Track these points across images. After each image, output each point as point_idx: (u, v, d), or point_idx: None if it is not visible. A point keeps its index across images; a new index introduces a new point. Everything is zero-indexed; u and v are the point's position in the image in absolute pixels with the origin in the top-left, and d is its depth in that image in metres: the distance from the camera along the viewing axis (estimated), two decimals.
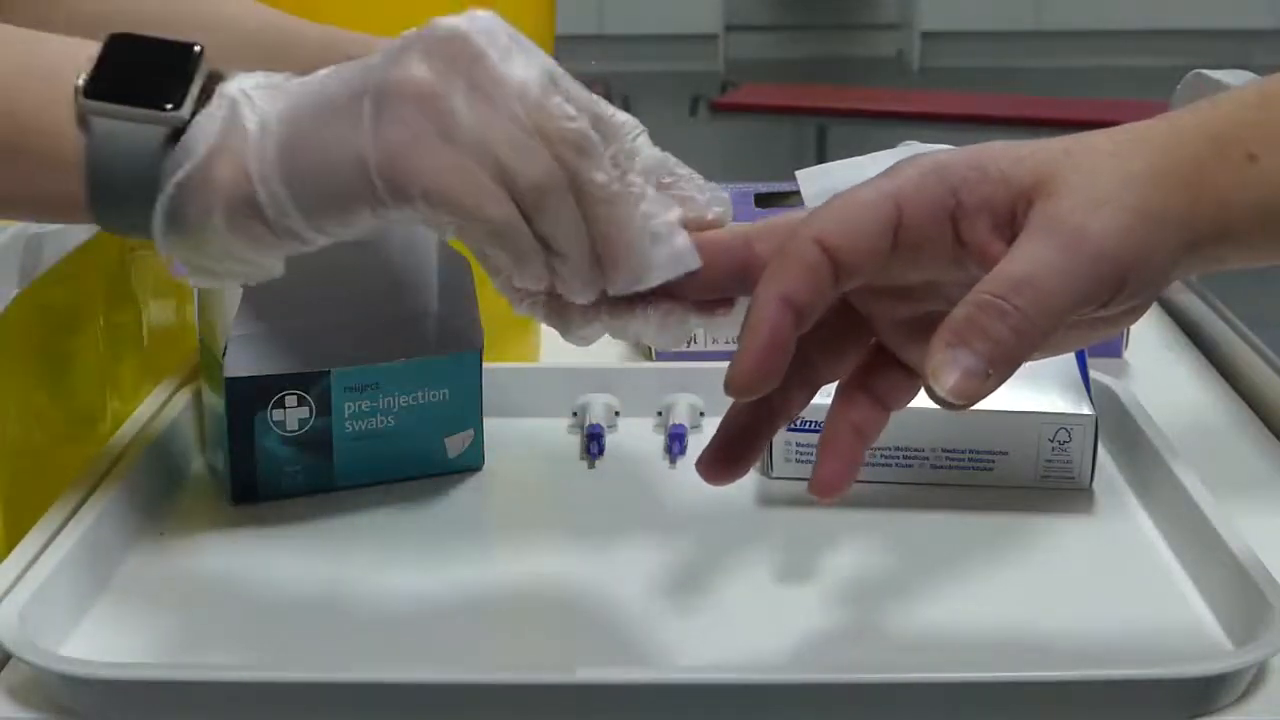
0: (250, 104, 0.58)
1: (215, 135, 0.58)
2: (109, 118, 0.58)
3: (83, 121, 0.59)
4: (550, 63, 0.58)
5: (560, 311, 0.61)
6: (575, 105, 0.57)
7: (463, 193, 0.56)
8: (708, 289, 0.60)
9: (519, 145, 0.56)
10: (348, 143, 0.57)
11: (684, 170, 0.64)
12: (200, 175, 0.58)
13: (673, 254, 0.59)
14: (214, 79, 0.59)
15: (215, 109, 0.58)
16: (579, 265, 0.58)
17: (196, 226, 0.58)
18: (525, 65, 0.57)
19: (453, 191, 0.56)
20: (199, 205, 0.58)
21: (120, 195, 0.59)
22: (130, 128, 0.58)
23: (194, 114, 0.58)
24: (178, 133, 0.58)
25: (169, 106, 0.58)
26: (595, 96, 0.59)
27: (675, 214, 0.60)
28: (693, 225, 0.62)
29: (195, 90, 0.58)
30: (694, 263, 0.59)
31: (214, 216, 0.58)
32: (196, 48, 0.60)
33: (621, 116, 0.66)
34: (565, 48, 1.02)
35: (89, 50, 0.60)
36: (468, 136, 0.56)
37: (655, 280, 0.59)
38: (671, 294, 0.60)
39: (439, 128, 0.56)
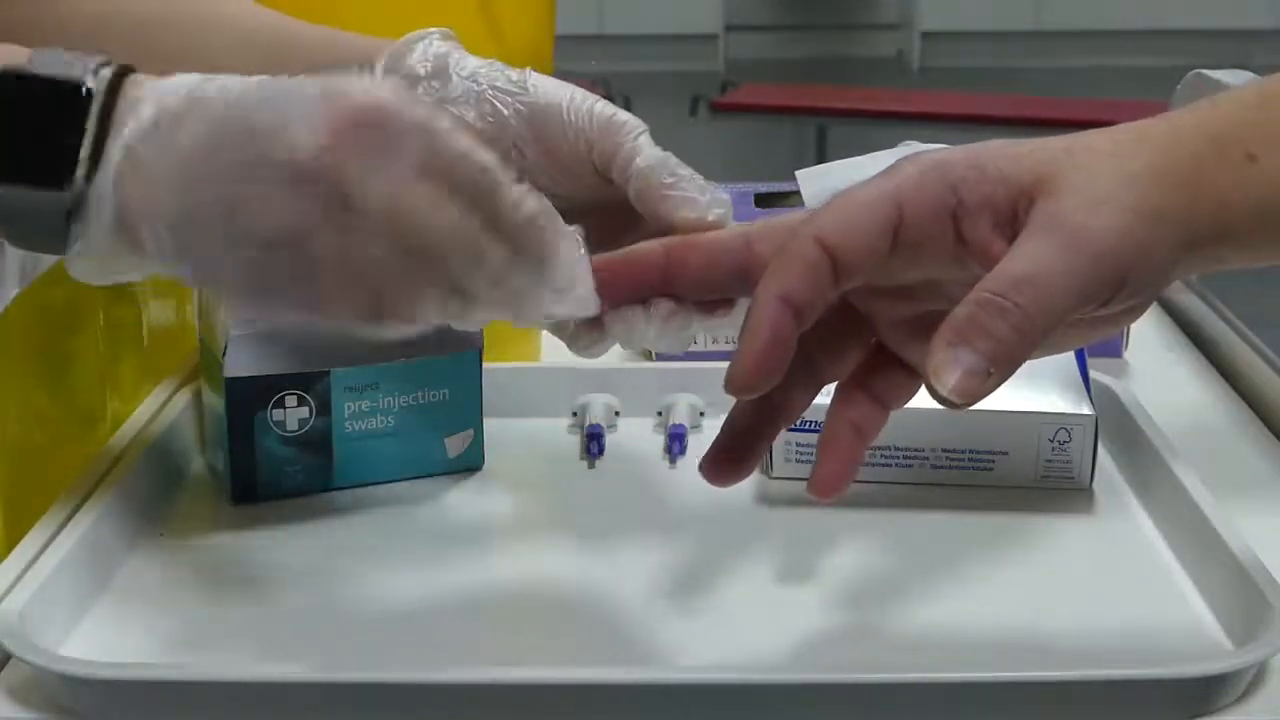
0: (137, 169, 0.57)
1: (109, 212, 0.57)
2: (5, 188, 0.58)
3: None
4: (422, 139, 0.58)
5: (565, 324, 0.62)
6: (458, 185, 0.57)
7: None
8: (708, 289, 0.60)
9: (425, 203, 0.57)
10: (242, 224, 0.57)
11: (685, 170, 0.65)
12: (102, 242, 0.58)
13: (576, 298, 0.60)
14: (106, 118, 0.58)
15: (105, 172, 0.57)
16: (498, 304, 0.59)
17: (106, 266, 0.60)
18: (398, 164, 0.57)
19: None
20: (105, 257, 0.59)
21: (26, 245, 0.60)
22: (28, 199, 0.58)
23: (87, 184, 0.57)
24: (76, 202, 0.58)
25: (63, 181, 0.57)
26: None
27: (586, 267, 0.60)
28: (693, 226, 0.62)
29: (87, 150, 0.57)
30: (595, 307, 0.60)
31: (122, 259, 0.59)
32: (86, 85, 0.58)
33: (623, 116, 0.66)
34: (565, 48, 1.02)
35: None
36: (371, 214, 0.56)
37: (542, 315, 0.60)
38: (673, 295, 0.60)
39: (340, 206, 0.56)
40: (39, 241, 0.60)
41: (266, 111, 0.57)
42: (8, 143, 0.58)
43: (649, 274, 0.61)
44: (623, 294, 0.62)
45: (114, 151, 0.58)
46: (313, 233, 0.56)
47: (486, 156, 0.57)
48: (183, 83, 0.58)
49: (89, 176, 0.58)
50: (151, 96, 0.58)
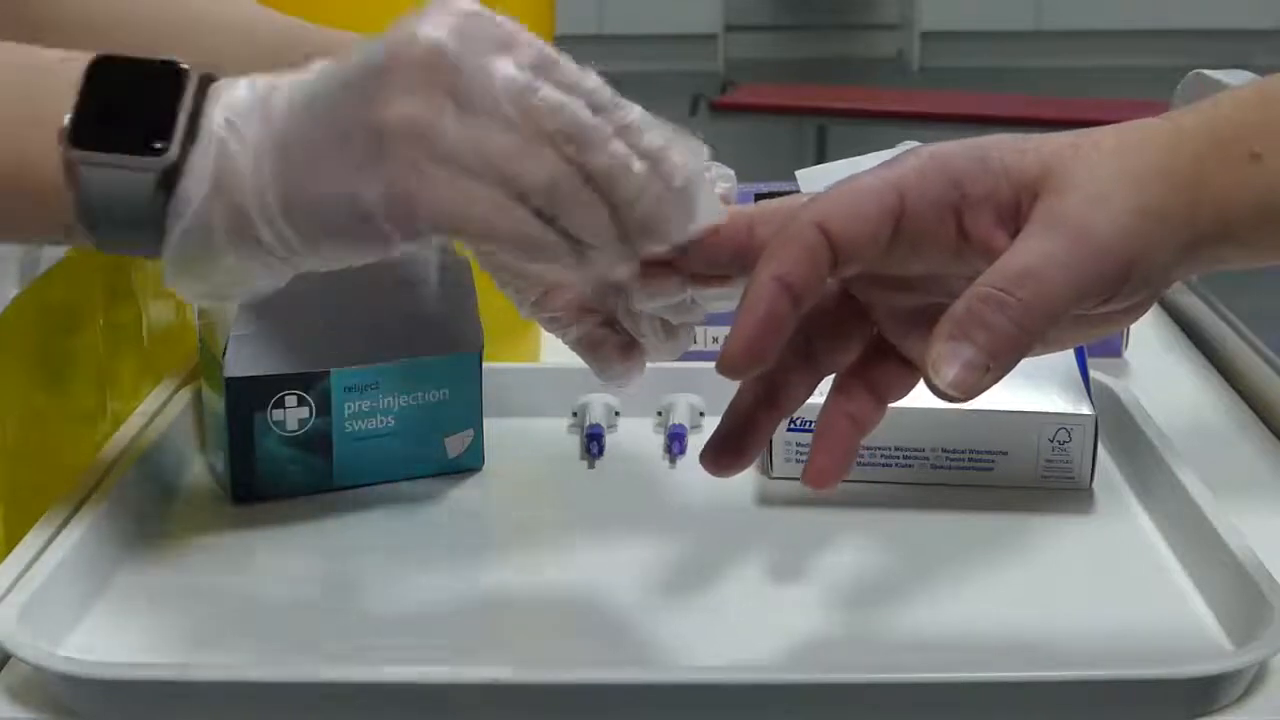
0: (238, 137, 0.57)
1: (209, 180, 0.57)
2: (97, 165, 0.58)
3: (70, 169, 0.58)
4: (534, 46, 0.57)
5: (593, 348, 0.64)
6: (565, 88, 0.56)
7: (472, 216, 0.55)
8: (708, 265, 0.60)
9: (519, 153, 0.55)
10: (347, 186, 0.56)
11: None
12: (201, 222, 0.57)
13: (705, 211, 0.57)
14: (201, 96, 0.58)
15: (205, 147, 0.57)
16: (608, 248, 0.57)
17: (207, 267, 0.58)
18: (507, 62, 0.56)
19: (462, 217, 0.55)
20: (207, 248, 0.58)
21: (121, 235, 0.59)
22: (121, 175, 0.57)
23: (184, 152, 0.57)
24: (170, 171, 0.57)
25: (157, 146, 0.57)
26: (586, 71, 0.57)
27: (701, 160, 0.59)
28: None
29: (182, 124, 0.57)
30: (724, 214, 0.58)
31: (224, 257, 0.58)
32: (182, 66, 0.58)
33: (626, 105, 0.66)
34: (565, 48, 1.01)
35: (72, 76, 0.58)
36: (466, 159, 0.55)
37: (684, 238, 0.57)
38: (671, 265, 0.60)
39: (435, 156, 0.55)
40: (131, 228, 0.58)
41: (360, 54, 0.57)
42: (105, 115, 0.58)
43: None
44: None
45: (213, 122, 0.57)
46: (436, 123, 0.55)
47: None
48: (260, 76, 0.59)
49: (185, 148, 0.57)
50: (241, 81, 0.58)
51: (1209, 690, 0.59)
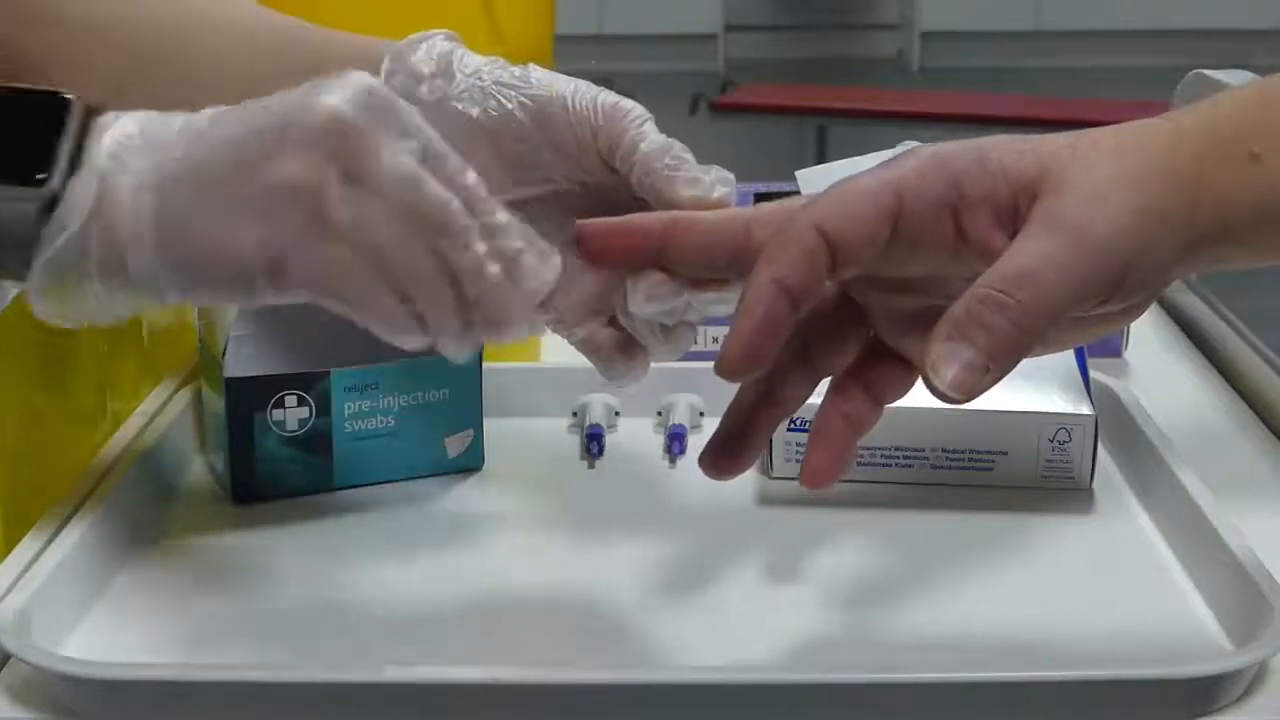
0: (122, 169, 0.57)
1: (88, 208, 0.57)
2: None
3: None
4: (425, 135, 0.58)
5: (597, 349, 0.64)
6: (447, 181, 0.58)
7: (342, 288, 0.57)
8: (703, 269, 0.60)
9: (396, 240, 0.57)
10: (228, 237, 0.57)
11: (688, 155, 0.65)
12: (73, 250, 0.57)
13: (534, 288, 0.59)
14: (85, 129, 0.58)
15: (87, 177, 0.57)
16: (453, 336, 0.59)
17: (73, 296, 0.59)
18: (399, 146, 0.57)
19: (332, 287, 0.57)
20: (75, 275, 0.58)
21: None
22: (3, 205, 0.57)
23: (65, 182, 0.57)
24: (51, 202, 0.57)
25: (39, 176, 0.57)
26: (466, 169, 0.59)
27: (553, 269, 0.60)
28: (697, 205, 0.62)
29: (65, 153, 0.57)
30: (553, 275, 0.59)
31: (90, 285, 0.58)
32: (66, 96, 0.58)
33: (628, 104, 0.67)
34: (565, 48, 1.02)
35: None
36: (344, 231, 0.56)
37: (522, 337, 0.60)
38: (667, 269, 0.60)
39: (317, 223, 0.56)
40: (7, 254, 0.58)
41: (260, 112, 0.57)
42: None
43: (644, 243, 0.61)
44: (615, 258, 0.62)
45: (98, 154, 0.58)
46: (324, 192, 0.56)
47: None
48: (152, 113, 0.59)
49: (66, 178, 0.57)
50: (129, 116, 0.59)
51: (1209, 690, 0.59)
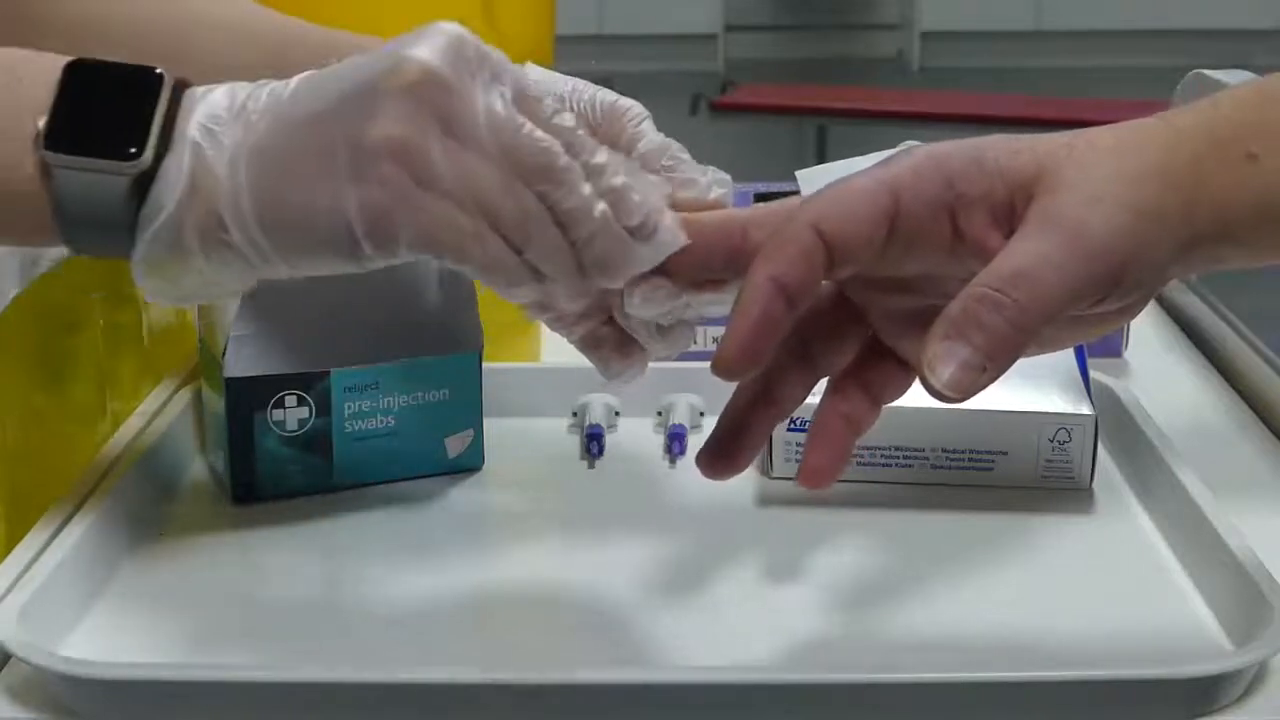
0: (215, 143, 0.58)
1: (183, 184, 0.58)
2: (71, 169, 0.58)
3: (45, 172, 0.58)
4: (518, 79, 0.58)
5: (596, 347, 0.64)
6: (543, 124, 0.58)
7: (448, 240, 0.57)
8: (701, 271, 0.60)
9: (499, 187, 0.57)
10: (327, 200, 0.57)
11: (685, 155, 0.65)
12: (173, 227, 0.58)
13: (657, 244, 0.59)
14: (176, 103, 0.59)
15: (180, 153, 0.58)
16: (567, 282, 0.59)
17: (176, 270, 0.59)
18: (494, 95, 0.57)
19: (439, 241, 0.57)
20: (177, 251, 0.58)
21: (93, 239, 0.60)
22: (95, 178, 0.58)
23: (158, 157, 0.58)
24: (144, 176, 0.58)
25: (131, 151, 0.58)
26: (559, 108, 0.59)
27: (660, 196, 0.60)
28: (694, 206, 0.62)
29: (156, 129, 0.58)
30: (679, 241, 0.60)
31: (194, 260, 0.58)
32: (158, 71, 0.59)
33: (626, 102, 0.66)
34: (565, 48, 1.02)
35: (49, 79, 0.59)
36: (449, 185, 0.57)
37: (641, 270, 0.60)
38: (664, 274, 0.60)
39: (418, 179, 0.56)
40: (103, 231, 0.59)
41: (351, 71, 0.58)
42: (80, 119, 0.58)
43: None
44: None
45: (189, 128, 0.58)
46: (423, 147, 0.56)
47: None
48: (241, 83, 0.59)
49: (160, 153, 0.58)
50: (220, 89, 0.59)
51: (1209, 690, 0.59)
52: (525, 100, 0.58)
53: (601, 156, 0.59)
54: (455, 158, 0.56)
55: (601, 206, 0.58)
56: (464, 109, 0.57)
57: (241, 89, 0.59)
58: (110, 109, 0.58)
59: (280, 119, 0.58)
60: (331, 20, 0.79)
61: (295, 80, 0.59)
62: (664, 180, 0.61)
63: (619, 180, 0.59)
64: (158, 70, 0.59)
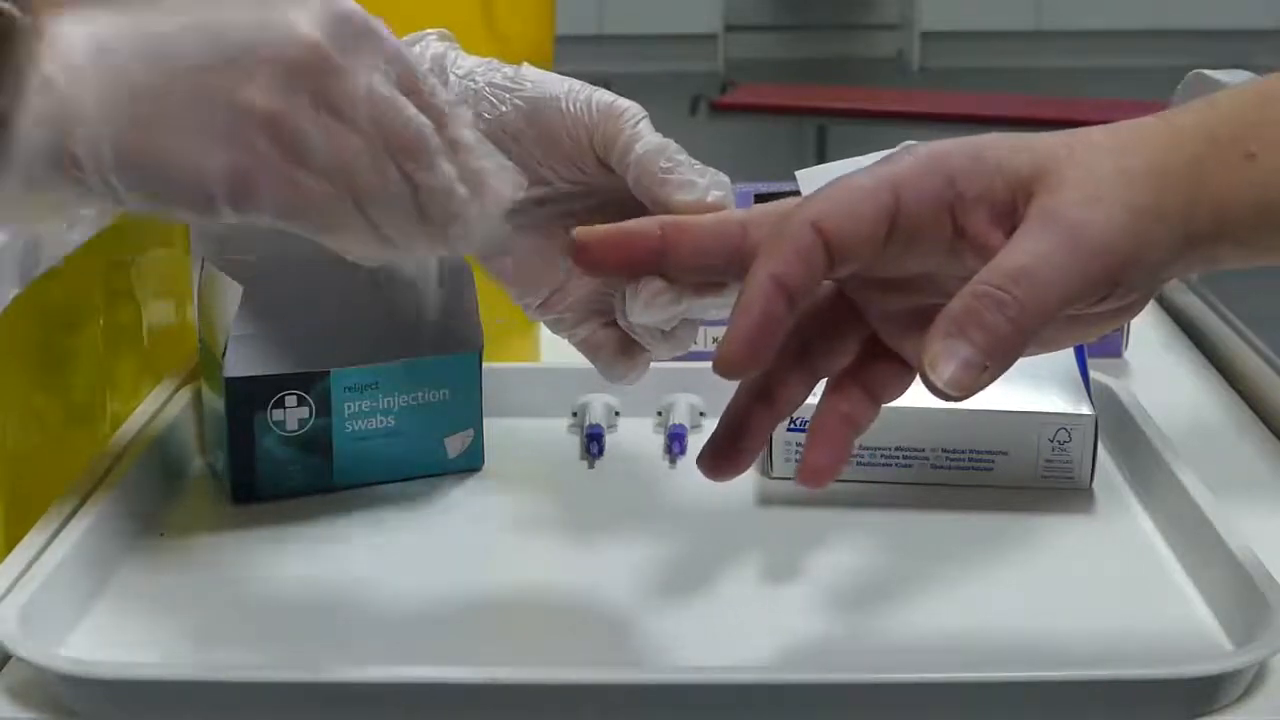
0: (77, 80, 0.56)
1: (42, 121, 0.56)
2: None
3: None
4: (399, 56, 0.58)
5: (597, 349, 0.64)
6: (418, 99, 0.58)
7: (310, 213, 0.57)
8: (701, 272, 0.60)
9: (367, 165, 0.57)
10: (193, 155, 0.56)
11: (683, 156, 0.65)
12: (26, 162, 0.56)
13: (491, 191, 0.60)
14: (38, 35, 0.56)
15: (40, 90, 0.56)
16: (416, 249, 0.60)
17: (22, 203, 0.58)
18: (372, 70, 0.57)
19: (302, 213, 0.57)
20: (28, 187, 0.57)
21: None
22: None
23: (10, 100, 0.55)
24: (3, 115, 0.56)
25: None
26: (433, 82, 0.59)
27: (514, 187, 0.61)
28: (692, 209, 0.62)
29: (12, 68, 0.55)
30: (517, 192, 0.60)
31: (44, 195, 0.57)
32: (12, 12, 0.56)
33: (623, 103, 0.66)
34: (565, 48, 1.02)
35: None
36: (318, 160, 0.57)
37: (485, 225, 0.60)
38: (665, 276, 0.60)
39: (290, 150, 0.56)
40: None
41: (232, 32, 0.57)
42: None
43: (643, 251, 0.61)
44: (613, 268, 0.62)
45: (54, 60, 0.56)
46: (297, 115, 0.56)
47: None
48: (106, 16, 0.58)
49: (16, 91, 0.56)
50: (82, 26, 0.57)
51: (1209, 690, 0.59)
52: (406, 73, 0.58)
53: (467, 134, 0.59)
54: (327, 132, 0.57)
55: (462, 190, 0.59)
56: (342, 85, 0.57)
57: (109, 24, 0.57)
58: None
59: (153, 63, 0.57)
60: None
61: (176, 25, 0.57)
62: (516, 169, 0.61)
63: (482, 162, 0.59)
64: (7, 9, 0.56)
